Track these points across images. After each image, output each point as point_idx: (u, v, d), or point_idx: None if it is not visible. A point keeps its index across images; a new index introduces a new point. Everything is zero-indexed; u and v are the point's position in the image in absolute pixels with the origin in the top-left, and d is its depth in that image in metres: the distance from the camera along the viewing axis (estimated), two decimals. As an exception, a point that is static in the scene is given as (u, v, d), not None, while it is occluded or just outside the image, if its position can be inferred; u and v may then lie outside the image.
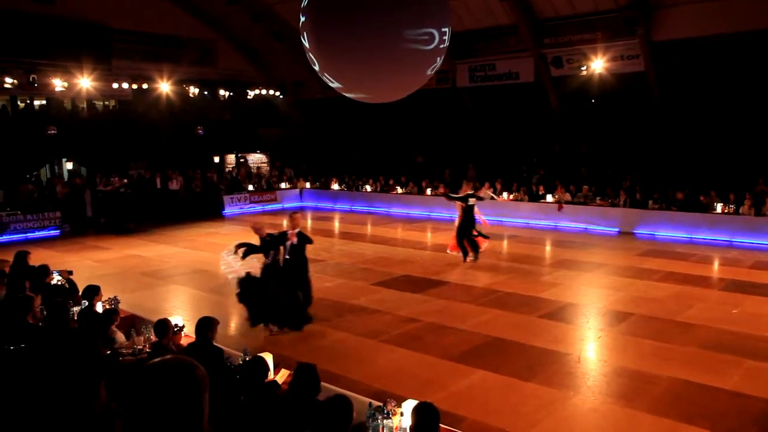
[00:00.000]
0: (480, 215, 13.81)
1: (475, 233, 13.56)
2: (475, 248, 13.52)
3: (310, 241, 9.48)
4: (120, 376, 4.83)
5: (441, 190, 17.93)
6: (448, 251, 14.08)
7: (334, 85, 4.78)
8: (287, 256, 9.23)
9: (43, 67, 21.26)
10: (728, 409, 6.33)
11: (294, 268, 9.27)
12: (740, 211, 15.80)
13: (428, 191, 21.49)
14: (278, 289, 8.92)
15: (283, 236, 9.25)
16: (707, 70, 19.00)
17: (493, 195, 13.89)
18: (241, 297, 9.04)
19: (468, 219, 13.46)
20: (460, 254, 13.58)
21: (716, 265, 13.43)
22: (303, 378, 4.33)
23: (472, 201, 13.50)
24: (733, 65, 18.46)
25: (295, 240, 9.17)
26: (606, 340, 8.64)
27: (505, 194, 19.65)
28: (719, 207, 16.06)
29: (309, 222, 20.88)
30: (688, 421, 6.04)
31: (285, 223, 10.84)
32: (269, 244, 9.27)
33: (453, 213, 19.92)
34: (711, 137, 18.87)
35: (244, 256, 9.42)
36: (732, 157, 18.11)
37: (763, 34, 16.91)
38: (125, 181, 19.17)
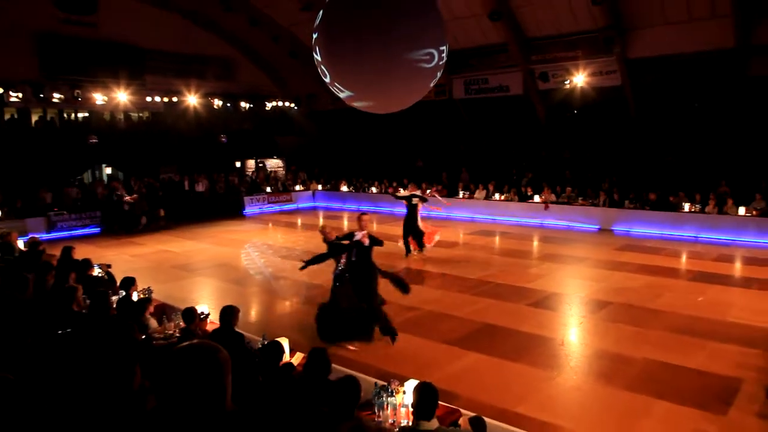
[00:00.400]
0: (435, 208, 14.07)
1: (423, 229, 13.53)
2: (420, 244, 13.50)
3: (380, 243, 8.09)
4: (153, 358, 4.85)
5: (390, 189, 17.41)
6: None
7: (343, 94, 4.77)
8: (353, 259, 7.91)
9: (85, 84, 21.53)
10: (694, 386, 6.35)
11: (361, 273, 7.89)
12: (705, 210, 15.77)
13: (427, 192, 21.42)
14: (350, 299, 7.74)
15: (350, 238, 7.97)
16: (677, 85, 18.95)
17: (437, 195, 13.83)
18: (319, 318, 7.92)
19: (412, 217, 13.49)
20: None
21: (684, 258, 13.40)
22: (316, 360, 4.36)
23: (415, 200, 13.56)
24: (699, 80, 18.38)
25: (366, 242, 7.85)
26: (587, 325, 8.65)
27: (497, 195, 19.71)
28: (687, 206, 16.04)
29: (321, 220, 20.90)
30: (660, 397, 6.05)
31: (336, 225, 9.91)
32: (338, 248, 8.12)
33: (450, 211, 20.06)
34: (680, 144, 18.81)
35: (309, 264, 8.32)
36: (698, 161, 18.05)
37: (725, 53, 16.94)
38: (135, 196, 18.85)
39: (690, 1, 16.64)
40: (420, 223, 13.57)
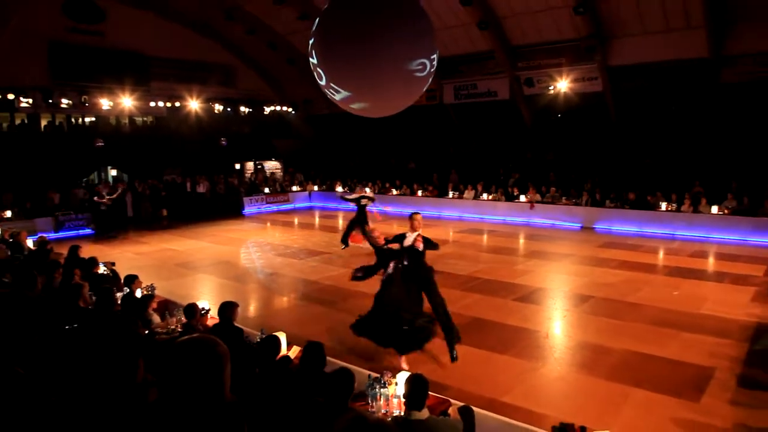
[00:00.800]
0: (374, 211, 13.83)
1: (366, 229, 13.42)
2: (345, 240, 13.61)
3: (436, 247, 6.99)
4: (155, 352, 4.84)
5: (341, 192, 17.07)
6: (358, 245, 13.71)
7: (339, 96, 4.69)
8: (405, 263, 6.81)
9: (92, 89, 21.50)
10: (670, 375, 6.39)
11: (414, 279, 6.82)
12: (681, 209, 15.86)
13: (419, 193, 21.51)
14: (397, 306, 6.59)
15: (400, 241, 6.91)
16: (655, 91, 19.04)
17: (371, 196, 14.01)
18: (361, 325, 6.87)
19: (361, 216, 13.56)
20: (365, 244, 13.56)
21: (661, 254, 13.47)
22: (311, 353, 4.35)
23: (364, 201, 13.62)
24: (676, 87, 18.50)
25: (420, 245, 6.74)
26: (570, 318, 8.68)
27: (486, 195, 19.76)
28: (664, 205, 16.12)
29: (317, 219, 20.88)
30: (638, 385, 6.09)
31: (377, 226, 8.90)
32: (388, 254, 7.07)
33: (440, 210, 20.11)
34: (657, 147, 18.91)
35: (366, 276, 7.31)
36: (674, 163, 18.16)
37: (699, 61, 17.09)
38: (113, 196, 17.75)
39: (667, 13, 16.74)
40: (369, 224, 13.51)
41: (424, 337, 6.52)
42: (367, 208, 13.65)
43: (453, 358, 6.64)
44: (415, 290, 6.75)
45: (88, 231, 17.69)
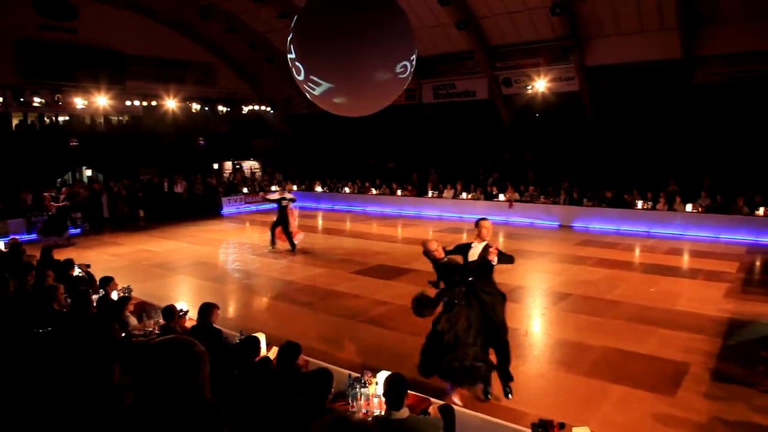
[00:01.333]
0: (293, 213, 14.10)
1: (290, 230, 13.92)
2: (292, 244, 13.89)
3: (511, 260, 5.88)
4: (132, 354, 4.76)
5: (262, 193, 17.07)
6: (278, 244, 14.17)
7: (318, 90, 4.57)
8: (470, 280, 5.64)
9: (66, 88, 21.12)
10: (647, 370, 6.48)
11: (480, 300, 5.66)
12: (656, 207, 16.10)
13: (399, 192, 21.53)
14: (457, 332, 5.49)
15: (465, 250, 5.79)
16: (631, 91, 19.35)
17: (291, 197, 14.39)
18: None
19: (282, 216, 13.84)
20: (286, 243, 13.97)
21: (637, 252, 13.65)
22: (287, 353, 4.32)
23: (284, 203, 13.85)
24: (651, 87, 18.84)
25: (494, 259, 5.55)
26: (549, 316, 8.75)
27: (465, 194, 19.86)
28: (640, 204, 16.34)
29: (296, 219, 20.76)
30: (616, 381, 6.16)
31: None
32: (449, 270, 5.65)
33: (420, 210, 20.17)
34: (634, 146, 19.20)
35: (435, 304, 5.56)
36: (650, 162, 18.44)
37: (672, 62, 17.47)
38: (53, 204, 16.64)
39: (641, 14, 17.02)
40: (291, 223, 13.94)
41: (479, 378, 5.58)
42: (290, 207, 13.94)
43: (507, 394, 5.82)
44: (479, 316, 5.63)
45: (71, 231, 17.18)
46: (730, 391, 5.94)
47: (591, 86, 19.55)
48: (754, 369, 6.50)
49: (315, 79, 4.37)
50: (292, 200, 14.06)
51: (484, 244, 5.76)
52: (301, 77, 4.52)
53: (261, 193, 18.27)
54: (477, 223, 5.92)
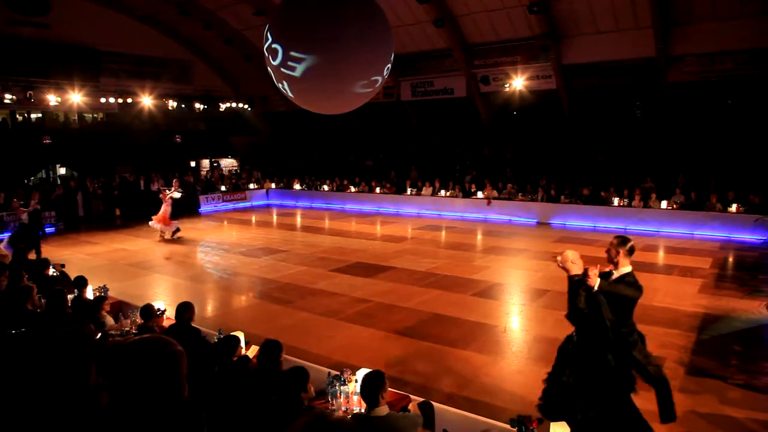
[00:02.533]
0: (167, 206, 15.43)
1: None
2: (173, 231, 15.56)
3: (636, 295, 4.78)
4: (107, 354, 4.69)
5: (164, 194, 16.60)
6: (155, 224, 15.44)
7: (298, 69, 4.37)
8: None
9: (38, 85, 20.64)
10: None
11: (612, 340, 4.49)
12: (632, 204, 16.33)
13: (377, 190, 21.53)
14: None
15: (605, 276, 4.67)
16: (607, 89, 19.61)
17: (178, 191, 16.21)
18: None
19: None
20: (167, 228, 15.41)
21: (615, 248, 13.78)
22: (267, 352, 4.30)
23: (176, 195, 15.78)
24: (626, 85, 19.13)
25: (625, 291, 4.63)
26: (527, 313, 8.83)
27: (443, 191, 19.95)
28: (616, 201, 16.56)
29: (275, 217, 20.66)
30: (593, 378, 6.22)
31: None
32: (594, 304, 4.46)
33: (399, 207, 20.21)
34: (610, 144, 19.46)
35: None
36: (626, 159, 18.71)
37: (649, 61, 17.70)
38: (22, 211, 14.55)
39: (617, 13, 17.24)
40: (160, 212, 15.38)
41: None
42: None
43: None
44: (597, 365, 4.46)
45: (46, 230, 16.68)
46: (703, 385, 6.06)
47: (568, 84, 19.76)
48: (727, 363, 6.64)
49: (295, 55, 4.26)
50: (183, 193, 16.91)
51: (625, 270, 4.95)
52: (278, 61, 4.37)
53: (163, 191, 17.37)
54: (615, 244, 4.95)
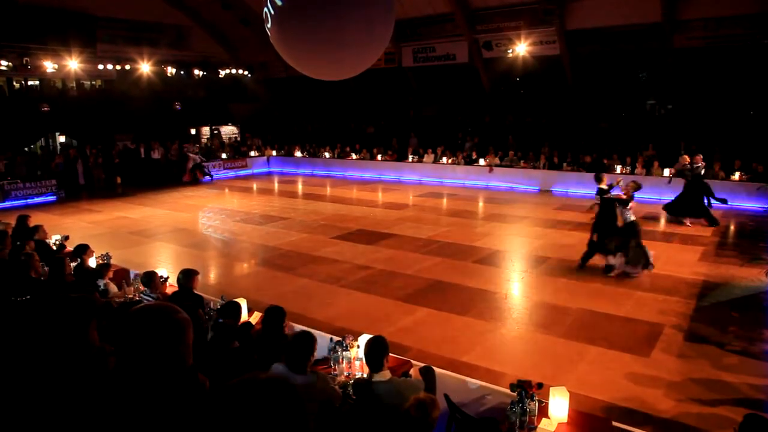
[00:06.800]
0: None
1: None
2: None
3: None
4: (112, 320, 4.74)
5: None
6: None
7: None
8: None
9: (35, 51, 20.36)
10: (622, 331, 6.64)
11: None
12: (635, 171, 16.24)
13: (379, 157, 21.43)
14: None
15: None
16: (611, 55, 19.31)
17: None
18: None
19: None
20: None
21: (616, 216, 13.79)
22: (271, 318, 4.33)
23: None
24: (631, 51, 18.81)
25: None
26: (528, 279, 8.88)
27: (445, 158, 19.86)
28: (618, 168, 16.48)
29: (276, 185, 20.62)
30: (592, 342, 6.31)
31: None
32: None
33: (400, 174, 20.16)
34: (613, 111, 19.28)
35: None
36: (629, 127, 18.55)
37: (654, 26, 17.35)
38: None
39: (623, -24, 16.87)
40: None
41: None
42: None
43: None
44: None
45: (37, 200, 16.98)
46: (701, 351, 6.13)
47: (572, 50, 19.45)
48: (724, 329, 6.70)
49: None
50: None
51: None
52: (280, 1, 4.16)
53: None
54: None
